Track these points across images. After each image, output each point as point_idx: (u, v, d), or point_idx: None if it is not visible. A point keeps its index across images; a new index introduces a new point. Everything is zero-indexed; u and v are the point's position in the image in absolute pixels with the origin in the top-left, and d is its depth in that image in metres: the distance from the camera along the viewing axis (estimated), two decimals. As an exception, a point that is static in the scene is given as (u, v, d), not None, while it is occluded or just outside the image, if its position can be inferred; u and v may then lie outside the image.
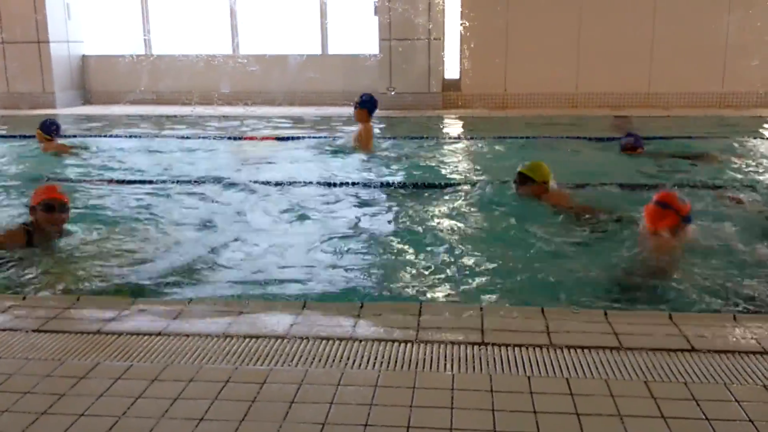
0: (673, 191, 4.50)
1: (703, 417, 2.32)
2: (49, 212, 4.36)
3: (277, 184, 6.32)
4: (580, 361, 2.73)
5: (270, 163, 7.57)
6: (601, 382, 2.57)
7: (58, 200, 4.40)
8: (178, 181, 6.51)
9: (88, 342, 2.92)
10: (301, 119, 10.93)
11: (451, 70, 12.09)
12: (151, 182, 6.54)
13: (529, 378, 2.60)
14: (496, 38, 11.63)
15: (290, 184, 6.34)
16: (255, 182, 6.35)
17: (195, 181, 6.44)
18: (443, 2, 11.67)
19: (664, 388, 2.51)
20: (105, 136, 9.51)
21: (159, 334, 3.00)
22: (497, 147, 8.38)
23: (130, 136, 9.47)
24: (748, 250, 4.30)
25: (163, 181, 6.54)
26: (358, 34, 12.45)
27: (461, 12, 11.75)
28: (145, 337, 2.96)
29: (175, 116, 11.18)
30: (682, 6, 11.23)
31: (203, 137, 9.30)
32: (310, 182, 6.42)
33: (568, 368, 2.68)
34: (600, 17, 11.40)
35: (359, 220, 5.24)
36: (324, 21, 12.73)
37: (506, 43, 11.68)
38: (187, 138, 9.27)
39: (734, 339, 2.89)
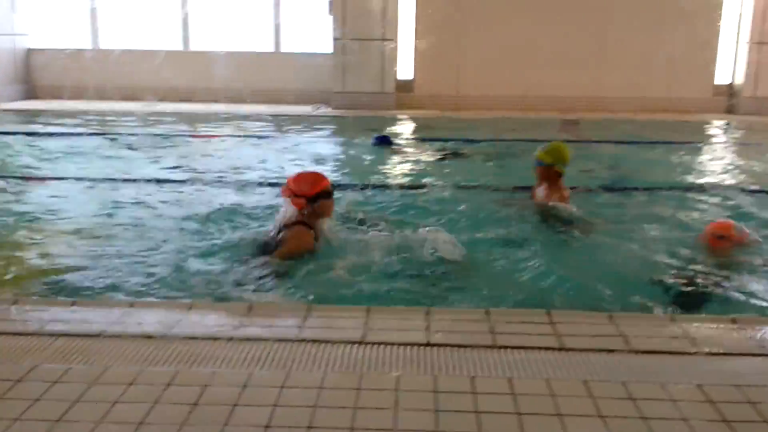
0: (728, 221, 4.65)
1: (640, 416, 2.38)
2: (330, 198, 4.27)
3: (216, 182, 6.24)
4: (522, 362, 2.77)
5: (212, 160, 7.49)
6: (542, 381, 2.61)
7: (329, 184, 4.28)
8: (119, 179, 6.37)
9: (24, 344, 2.85)
10: (253, 117, 10.83)
11: (405, 70, 12.15)
12: (85, 179, 6.39)
13: (472, 378, 2.63)
14: (449, 40, 11.73)
15: (230, 182, 6.26)
16: (197, 181, 6.27)
17: (135, 179, 6.32)
18: (397, 3, 11.71)
19: (602, 387, 2.56)
20: (46, 134, 9.27)
21: (99, 335, 2.94)
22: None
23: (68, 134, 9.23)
24: (682, 250, 4.43)
25: (102, 180, 6.38)
26: (312, 33, 12.41)
27: (415, 13, 11.81)
28: (85, 339, 2.90)
29: (122, 111, 10.97)
30: (630, 13, 11.50)
31: (152, 134, 9.14)
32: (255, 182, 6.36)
33: (510, 368, 2.71)
34: (551, 22, 11.59)
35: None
36: (277, 18, 12.65)
37: (459, 45, 11.79)
38: (135, 135, 9.10)
39: (671, 339, 2.97)
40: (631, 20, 11.52)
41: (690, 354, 2.84)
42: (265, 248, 4.22)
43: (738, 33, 11.74)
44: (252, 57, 12.52)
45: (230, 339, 2.91)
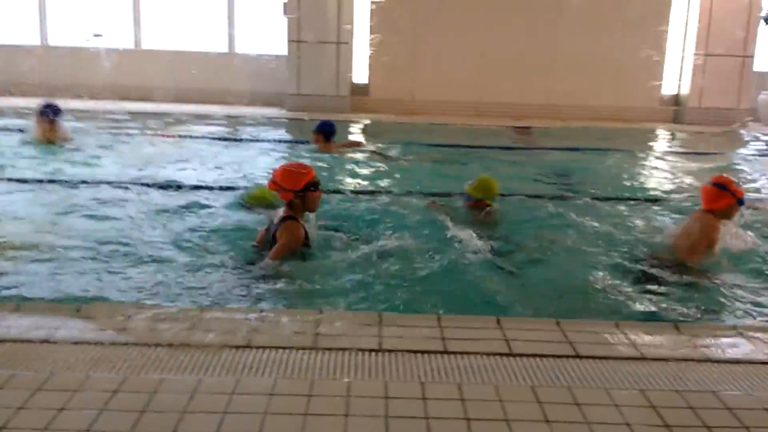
0: (729, 176, 4.81)
1: (584, 421, 2.44)
2: (318, 189, 4.24)
3: (164, 186, 6.17)
4: (472, 367, 2.81)
5: (159, 161, 7.39)
6: (491, 387, 2.66)
7: (314, 175, 4.24)
8: (59, 181, 6.23)
9: (-34, 350, 2.77)
10: (206, 117, 10.71)
11: (360, 74, 12.16)
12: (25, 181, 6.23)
13: (422, 384, 2.66)
14: (404, 45, 11.78)
15: (177, 186, 6.20)
16: (142, 183, 6.18)
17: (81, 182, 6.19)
18: (353, 7, 11.72)
19: (549, 393, 2.62)
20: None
21: (45, 341, 2.88)
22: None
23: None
24: (627, 257, 4.55)
25: (41, 181, 6.22)
26: (267, 34, 12.32)
27: (370, 17, 11.84)
28: (30, 345, 2.84)
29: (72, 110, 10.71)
30: (580, 22, 11.72)
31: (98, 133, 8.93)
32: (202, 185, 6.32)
33: (460, 374, 2.75)
34: (504, 30, 11.74)
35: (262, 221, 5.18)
36: (231, 19, 12.53)
37: (414, 50, 11.85)
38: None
39: (615, 345, 3.05)
40: (581, 29, 11.74)
41: (634, 359, 2.93)
42: (260, 248, 4.25)
43: (684, 45, 12.08)
44: (205, 57, 12.37)
45: (180, 345, 2.88)
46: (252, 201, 5.40)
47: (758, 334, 3.24)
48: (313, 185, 4.21)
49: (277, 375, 2.67)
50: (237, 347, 2.88)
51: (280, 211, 4.30)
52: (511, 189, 6.27)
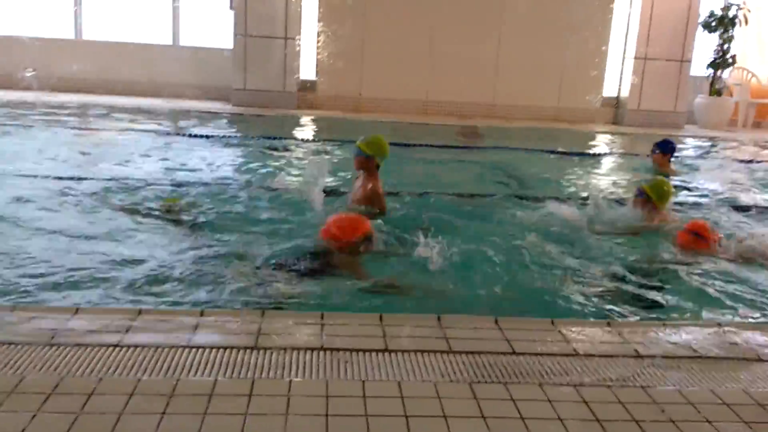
0: (703, 221, 5.17)
1: (519, 416, 2.52)
2: (370, 242, 4.28)
3: (99, 177, 6.07)
4: (412, 365, 2.86)
5: (94, 155, 7.26)
6: (430, 384, 2.71)
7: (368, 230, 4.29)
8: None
9: None
10: (149, 111, 10.52)
11: (308, 70, 12.11)
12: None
13: (363, 382, 2.69)
14: (352, 42, 11.78)
15: (113, 179, 6.09)
16: (76, 178, 6.06)
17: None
18: (301, 2, 11.66)
19: (485, 389, 2.69)
20: None
21: (-25, 343, 2.81)
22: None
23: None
24: (566, 255, 4.67)
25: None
26: (213, 27, 12.16)
27: (318, 14, 11.81)
28: (-40, 346, 2.77)
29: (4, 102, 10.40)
30: (524, 24, 11.93)
31: (28, 126, 8.70)
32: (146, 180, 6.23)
33: (401, 372, 2.80)
34: (450, 30, 11.86)
35: (209, 219, 5.14)
36: (176, 10, 12.32)
37: (362, 47, 11.87)
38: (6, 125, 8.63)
39: (550, 342, 3.14)
40: (525, 31, 11.95)
41: (567, 356, 3.02)
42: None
43: (624, 48, 12.41)
44: (148, 49, 12.14)
45: (117, 345, 2.85)
46: (367, 148, 5.27)
47: (686, 330, 3.38)
48: (366, 240, 4.27)
49: (217, 375, 2.67)
50: (177, 347, 2.87)
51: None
52: (454, 187, 6.37)
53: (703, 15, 12.27)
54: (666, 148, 7.98)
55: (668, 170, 7.90)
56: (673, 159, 8.13)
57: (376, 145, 5.29)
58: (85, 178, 6.12)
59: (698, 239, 4.86)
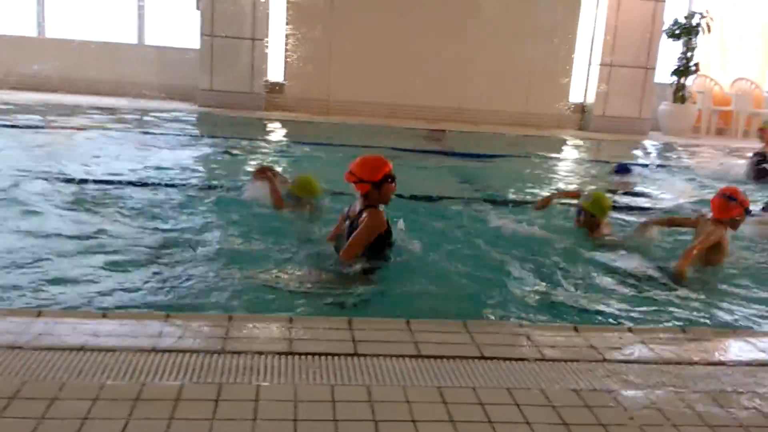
0: (735, 186, 5.15)
1: (487, 420, 2.52)
2: (393, 182, 4.18)
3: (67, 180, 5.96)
4: (381, 369, 2.85)
5: (62, 154, 7.13)
6: (399, 389, 2.70)
7: (391, 168, 4.20)
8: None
9: None
10: (112, 110, 10.37)
11: (276, 72, 12.05)
12: None
13: (332, 387, 2.68)
14: (320, 44, 11.76)
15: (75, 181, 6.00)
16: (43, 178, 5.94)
17: None
18: (269, 3, 11.60)
19: (454, 393, 2.69)
20: None
21: (-67, 346, 2.73)
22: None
23: None
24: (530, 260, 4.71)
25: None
26: (179, 27, 12.04)
27: (286, 15, 11.76)
28: None
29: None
30: (493, 30, 12.04)
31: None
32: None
33: (370, 376, 2.78)
34: (419, 34, 11.91)
35: (171, 223, 5.07)
36: (141, 10, 12.16)
37: (331, 50, 11.85)
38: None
39: (519, 347, 3.16)
40: (493, 36, 12.06)
41: (535, 360, 3.04)
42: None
43: (590, 55, 12.59)
44: (113, 48, 11.97)
45: (81, 349, 2.79)
46: (298, 191, 5.29)
47: (651, 335, 3.42)
48: (391, 177, 4.20)
49: (184, 379, 2.63)
50: (143, 351, 2.82)
51: (357, 204, 4.28)
52: (422, 190, 6.39)
53: (668, 23, 12.51)
54: (623, 171, 8.16)
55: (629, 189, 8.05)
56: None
57: (303, 187, 5.32)
58: (43, 178, 6.00)
59: (731, 202, 4.86)
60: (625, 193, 7.21)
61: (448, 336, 3.21)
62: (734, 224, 4.91)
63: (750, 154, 8.83)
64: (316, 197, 5.36)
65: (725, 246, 4.89)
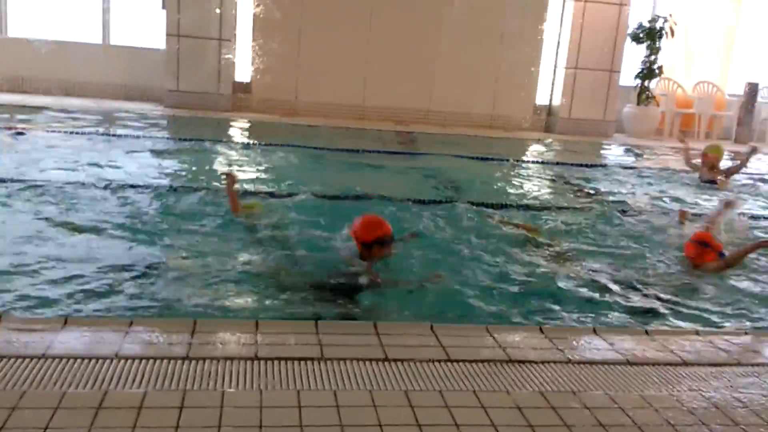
0: (707, 231, 5.34)
1: (453, 423, 2.53)
2: (385, 246, 4.26)
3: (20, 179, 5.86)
4: (348, 373, 2.84)
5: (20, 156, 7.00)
6: (366, 393, 2.70)
7: (385, 233, 4.26)
8: None
9: None
10: (76, 112, 10.20)
11: (243, 72, 11.96)
12: None
13: (298, 392, 2.66)
14: (288, 45, 11.70)
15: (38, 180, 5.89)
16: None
17: None
18: (236, 3, 11.51)
19: (421, 396, 2.70)
20: None
21: None
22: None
23: None
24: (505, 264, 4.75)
25: None
26: (144, 27, 11.88)
27: (254, 16, 11.68)
28: None
29: None
30: (460, 32, 12.09)
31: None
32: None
33: (336, 381, 2.78)
34: (387, 35, 11.91)
35: (139, 224, 5.01)
36: (106, 9, 11.98)
37: (298, 51, 11.79)
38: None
39: (485, 349, 3.18)
40: (460, 38, 12.10)
41: (501, 362, 3.06)
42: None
43: (556, 58, 12.72)
44: (78, 48, 11.77)
45: (41, 357, 2.74)
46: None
47: (616, 336, 3.47)
48: (382, 242, 4.25)
49: (147, 386, 2.59)
50: (106, 358, 2.77)
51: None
52: (390, 193, 6.39)
53: (632, 27, 12.69)
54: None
55: None
56: None
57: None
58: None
59: (705, 248, 5.01)
60: None
61: (415, 339, 3.22)
62: (711, 266, 4.99)
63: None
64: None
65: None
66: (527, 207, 6.65)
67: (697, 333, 3.66)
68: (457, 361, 3.03)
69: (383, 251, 4.29)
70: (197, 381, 2.67)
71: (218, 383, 2.67)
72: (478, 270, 4.56)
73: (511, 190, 7.69)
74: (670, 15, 12.74)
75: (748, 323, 4.14)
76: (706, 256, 4.99)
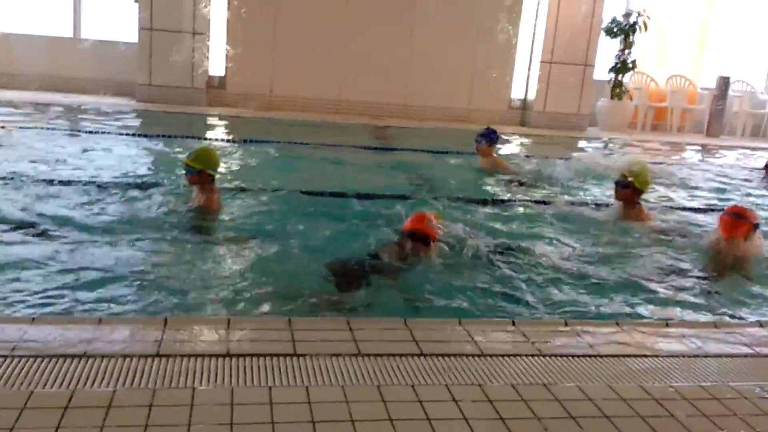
0: (742, 204, 5.24)
1: (425, 417, 2.54)
2: (416, 242, 4.27)
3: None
4: (321, 369, 2.83)
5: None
6: (338, 388, 2.69)
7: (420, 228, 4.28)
8: None
9: None
10: (46, 106, 10.05)
11: (217, 67, 11.86)
12: None
13: (270, 388, 2.65)
14: (263, 39, 11.63)
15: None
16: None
17: None
18: (209, -3, 11.42)
19: (393, 391, 2.69)
20: None
21: None
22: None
23: None
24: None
25: None
26: (116, 20, 11.73)
27: (228, 9, 11.58)
28: None
29: None
30: (437, 28, 12.11)
31: None
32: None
33: (309, 377, 2.77)
34: (364, 29, 11.89)
35: (103, 223, 4.94)
36: (77, 1, 11.81)
37: (274, 44, 11.73)
38: None
39: (457, 343, 3.19)
40: (436, 32, 12.12)
41: (474, 356, 3.07)
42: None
43: (531, 52, 12.78)
44: (48, 41, 11.60)
45: (7, 356, 2.69)
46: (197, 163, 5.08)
47: (586, 329, 3.50)
48: (411, 235, 4.26)
49: (116, 385, 2.56)
50: (74, 356, 2.74)
51: None
52: (366, 187, 6.38)
53: (606, 21, 12.78)
54: (491, 138, 8.07)
55: (494, 161, 8.09)
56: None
57: (203, 158, 5.13)
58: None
59: (739, 221, 4.92)
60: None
61: (387, 333, 3.21)
62: (746, 238, 4.92)
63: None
64: (216, 167, 5.17)
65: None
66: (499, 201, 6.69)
67: (667, 325, 3.70)
68: (430, 355, 3.03)
69: (416, 249, 4.27)
70: (167, 379, 2.64)
71: (189, 380, 2.64)
72: (448, 263, 4.56)
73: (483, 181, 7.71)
74: (644, 9, 12.85)
75: (713, 317, 4.19)
76: (738, 230, 4.89)
